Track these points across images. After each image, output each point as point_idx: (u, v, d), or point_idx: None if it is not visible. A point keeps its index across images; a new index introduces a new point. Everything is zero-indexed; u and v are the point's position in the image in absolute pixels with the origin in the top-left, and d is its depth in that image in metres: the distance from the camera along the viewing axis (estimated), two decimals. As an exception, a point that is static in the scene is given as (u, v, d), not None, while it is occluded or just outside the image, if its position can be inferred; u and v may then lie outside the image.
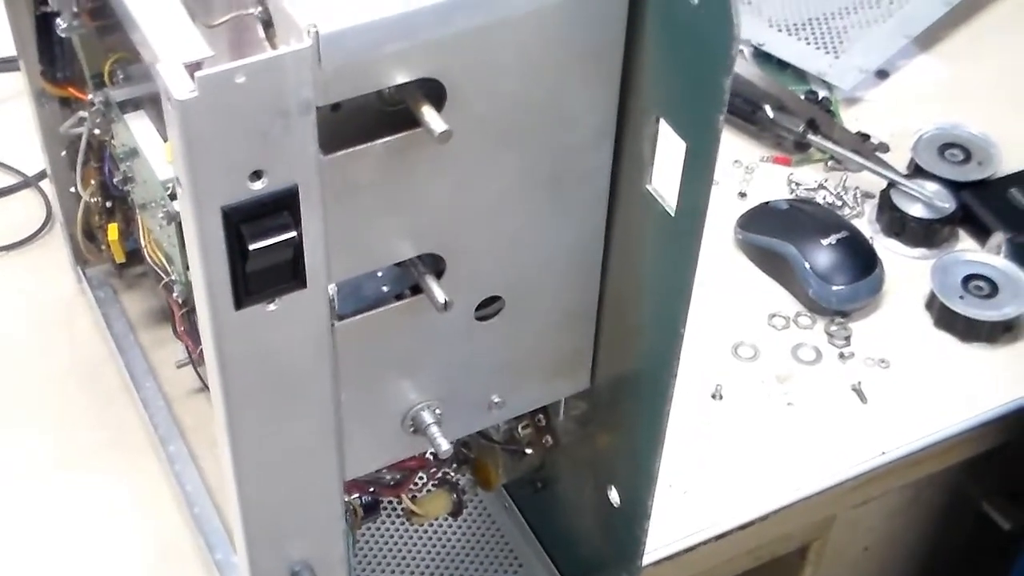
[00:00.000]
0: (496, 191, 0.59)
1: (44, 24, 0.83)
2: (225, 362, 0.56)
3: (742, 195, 1.09)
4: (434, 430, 0.65)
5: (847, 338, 0.98)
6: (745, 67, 1.15)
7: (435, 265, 0.60)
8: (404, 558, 0.85)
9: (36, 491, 0.88)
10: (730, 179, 1.10)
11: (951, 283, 0.98)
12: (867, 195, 1.08)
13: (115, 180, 0.84)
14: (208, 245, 0.52)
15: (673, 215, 0.58)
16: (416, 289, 0.61)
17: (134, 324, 0.97)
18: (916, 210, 1.04)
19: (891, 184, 1.06)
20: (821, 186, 1.09)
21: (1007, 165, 1.08)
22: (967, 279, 0.99)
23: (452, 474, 0.80)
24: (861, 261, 1.00)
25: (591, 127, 0.60)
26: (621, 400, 0.69)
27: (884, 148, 1.12)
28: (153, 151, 0.75)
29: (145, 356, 0.95)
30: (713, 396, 0.93)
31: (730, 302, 1.00)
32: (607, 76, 0.58)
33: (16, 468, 0.89)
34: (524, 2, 0.53)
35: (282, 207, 0.52)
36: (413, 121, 0.54)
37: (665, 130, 0.57)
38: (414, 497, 0.78)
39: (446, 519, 0.86)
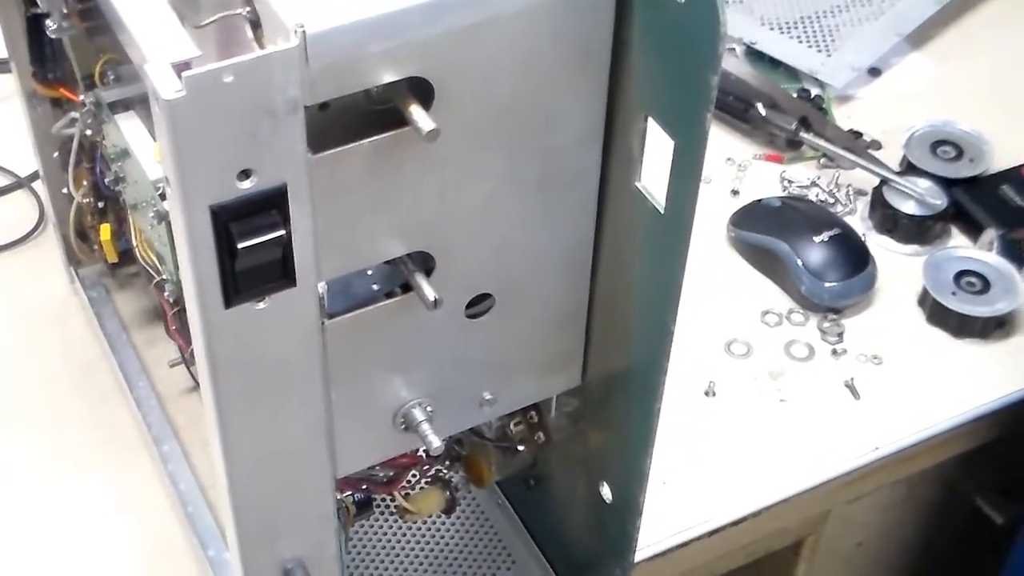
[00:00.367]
0: (485, 189, 0.59)
1: (35, 25, 0.83)
2: (215, 361, 0.56)
3: (735, 193, 1.09)
4: (426, 427, 0.65)
5: (840, 335, 0.98)
6: (737, 65, 1.16)
7: (425, 263, 0.61)
8: (397, 555, 0.85)
9: (29, 490, 0.88)
10: (723, 177, 1.10)
11: (943, 279, 0.99)
12: (859, 192, 1.08)
13: (107, 180, 0.84)
14: (197, 244, 0.52)
15: (662, 212, 0.58)
16: (406, 287, 0.61)
17: (127, 324, 0.97)
18: (908, 207, 1.04)
19: (883, 181, 1.06)
20: (814, 183, 1.09)
21: (999, 162, 1.09)
22: (959, 275, 0.99)
23: (445, 471, 0.80)
24: (853, 258, 1.00)
25: (580, 125, 0.60)
26: (612, 397, 0.69)
27: (876, 145, 1.12)
28: (144, 151, 0.75)
29: (138, 355, 0.95)
30: (706, 393, 0.94)
31: (723, 299, 1.00)
32: (595, 74, 0.58)
33: (9, 467, 0.89)
34: (512, 1, 0.54)
35: (271, 206, 0.52)
36: (401, 120, 0.54)
37: (653, 128, 0.57)
38: (407, 494, 0.78)
39: (439, 516, 0.87)
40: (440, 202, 0.58)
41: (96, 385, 0.95)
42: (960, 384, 0.95)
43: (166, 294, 0.77)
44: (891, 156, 1.10)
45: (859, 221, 1.06)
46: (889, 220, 1.04)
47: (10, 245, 1.04)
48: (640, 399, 0.65)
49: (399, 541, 0.86)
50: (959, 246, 1.03)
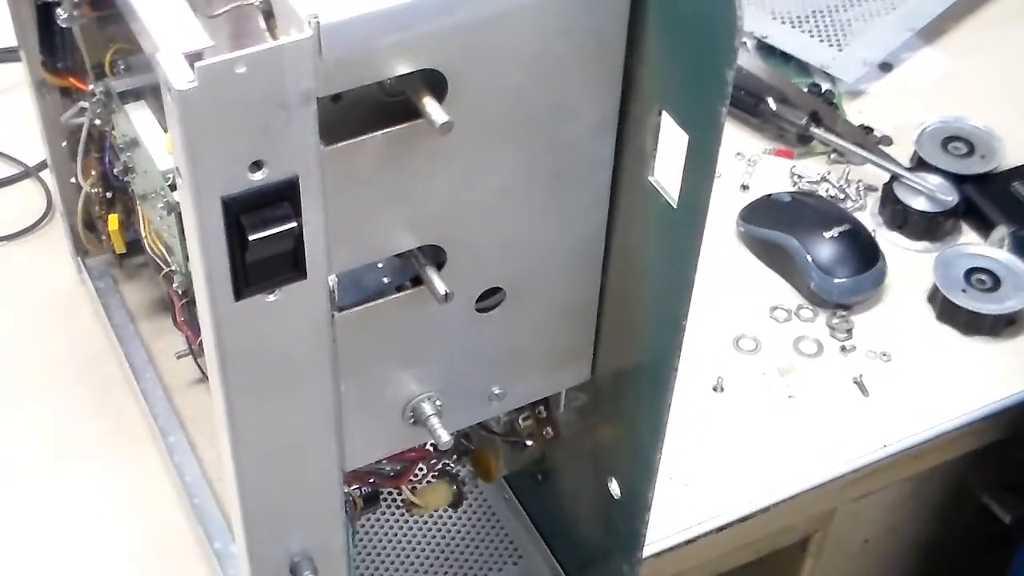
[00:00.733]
0: (497, 182, 0.59)
1: (45, 14, 0.83)
2: (225, 352, 0.56)
3: (744, 187, 1.08)
4: (434, 421, 0.65)
5: (849, 331, 0.97)
6: (748, 59, 1.15)
7: (436, 256, 0.60)
8: (404, 549, 0.85)
9: (35, 480, 0.88)
10: (732, 171, 1.09)
11: (953, 276, 0.98)
12: (870, 188, 1.08)
13: (115, 170, 0.84)
14: (208, 235, 0.52)
15: (675, 207, 0.58)
16: (417, 280, 0.61)
17: (134, 314, 0.97)
18: (919, 203, 1.04)
19: (894, 177, 1.05)
20: (824, 179, 1.09)
21: (1010, 158, 1.08)
22: (969, 272, 0.98)
23: (452, 465, 0.80)
24: (863, 254, 0.99)
25: (593, 119, 0.59)
26: (622, 392, 0.69)
27: (887, 141, 1.12)
28: (153, 141, 0.75)
29: (145, 346, 0.95)
30: (714, 388, 0.93)
31: (732, 294, 1.00)
32: (609, 68, 0.58)
33: (15, 457, 0.89)
34: (526, -7, 0.53)
35: (282, 197, 0.52)
36: (414, 112, 0.54)
37: (667, 122, 0.57)
38: (414, 488, 0.78)
39: (446, 510, 0.86)
40: (452, 195, 0.58)
41: (102, 376, 0.94)
42: (969, 382, 0.95)
43: (175, 285, 0.77)
44: (902, 152, 1.09)
45: (869, 217, 1.06)
46: (899, 216, 1.04)
47: (17, 235, 1.04)
48: (650, 394, 0.65)
49: (406, 535, 0.86)
50: (970, 243, 1.03)
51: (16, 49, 0.88)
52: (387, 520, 0.87)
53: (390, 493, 0.84)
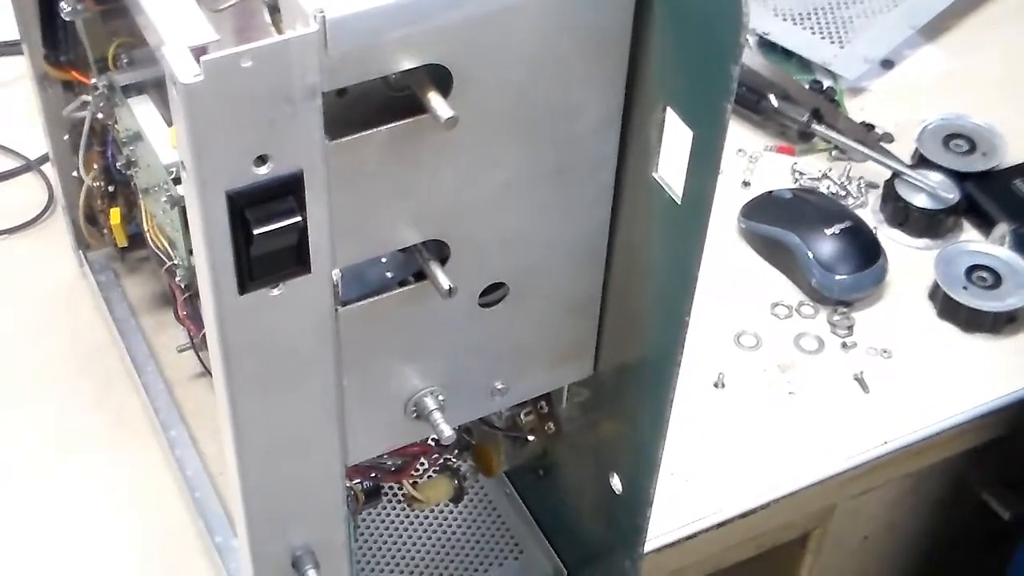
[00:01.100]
0: (501, 178, 0.59)
1: (48, 8, 0.83)
2: (228, 346, 0.56)
3: (746, 184, 1.08)
4: (437, 416, 0.65)
5: (850, 328, 0.98)
6: (750, 56, 1.15)
7: (439, 251, 0.60)
8: (405, 544, 0.85)
9: (36, 474, 0.88)
10: (734, 168, 1.09)
11: (954, 273, 0.98)
12: (871, 185, 1.08)
13: (118, 164, 0.84)
14: (212, 229, 0.52)
15: (679, 203, 0.58)
16: (420, 275, 0.61)
17: (135, 308, 0.97)
18: (920, 200, 1.04)
19: (895, 174, 1.05)
20: (825, 176, 1.09)
21: (1012, 156, 1.08)
22: (970, 270, 0.99)
23: (454, 460, 0.80)
24: (864, 251, 1.00)
25: (597, 114, 0.59)
26: (624, 387, 0.69)
27: (888, 138, 1.12)
28: (157, 135, 0.75)
29: (146, 341, 0.95)
30: (715, 385, 0.93)
31: (733, 291, 1.00)
32: (614, 64, 0.58)
33: (16, 452, 0.89)
34: (531, -12, 0.53)
35: (287, 192, 0.52)
36: (419, 107, 0.54)
37: (672, 118, 0.57)
38: (415, 483, 0.78)
39: (447, 505, 0.86)
40: (456, 190, 0.58)
41: (104, 370, 0.94)
42: (969, 379, 0.95)
43: (177, 279, 0.77)
44: (903, 149, 1.10)
45: (870, 214, 1.06)
46: (901, 213, 1.04)
47: (19, 228, 1.04)
48: (653, 390, 0.65)
49: (407, 529, 0.86)
50: (971, 240, 1.03)
51: (19, 43, 0.88)
52: (388, 515, 0.87)
53: (391, 488, 0.84)
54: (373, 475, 0.74)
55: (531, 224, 0.62)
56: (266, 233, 0.52)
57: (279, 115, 0.50)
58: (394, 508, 0.87)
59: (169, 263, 0.78)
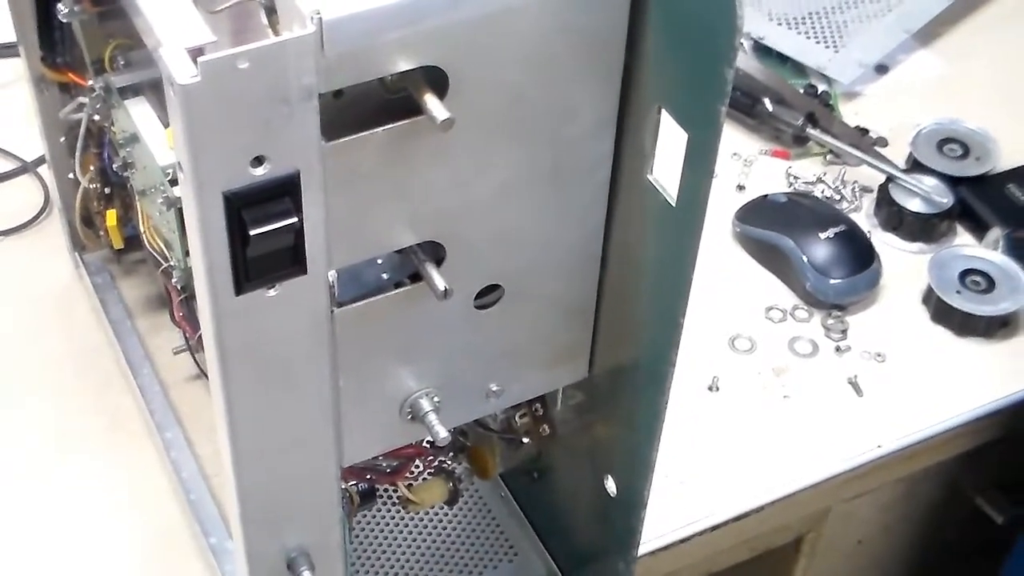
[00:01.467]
0: (497, 180, 0.59)
1: (44, 9, 0.83)
2: (224, 347, 0.56)
3: (740, 188, 1.09)
4: (432, 418, 0.65)
5: (844, 331, 0.98)
6: (745, 60, 1.15)
7: (435, 253, 0.60)
8: (400, 545, 0.86)
9: (32, 476, 0.88)
10: (729, 172, 1.10)
11: (948, 278, 0.99)
12: (865, 189, 1.08)
13: (114, 166, 0.84)
14: (209, 230, 0.52)
15: (674, 205, 0.58)
16: (416, 277, 0.61)
17: (131, 310, 0.97)
18: (914, 205, 1.04)
19: (889, 178, 1.06)
20: (819, 180, 1.09)
21: (1005, 161, 1.09)
22: (964, 274, 0.99)
23: (449, 462, 0.80)
24: (859, 255, 1.00)
25: (593, 117, 0.60)
26: (619, 390, 0.69)
27: (883, 143, 1.12)
28: (153, 137, 0.75)
29: (142, 342, 0.95)
30: (710, 388, 0.94)
31: (727, 294, 1.00)
32: (609, 66, 0.58)
33: (12, 453, 0.89)
34: (527, -9, 0.54)
35: (283, 193, 0.52)
36: (415, 109, 0.54)
37: (667, 120, 0.57)
38: (410, 485, 0.78)
39: (442, 507, 0.87)
40: (452, 192, 0.58)
41: (99, 371, 0.94)
42: (963, 383, 0.95)
43: (173, 281, 0.77)
44: (897, 153, 1.10)
45: (865, 218, 1.06)
46: (895, 217, 1.04)
47: (14, 230, 1.04)
48: (647, 392, 0.65)
49: (401, 532, 0.86)
50: (964, 244, 1.03)
51: (15, 44, 0.88)
52: (383, 516, 0.87)
53: (386, 490, 0.84)
54: (368, 477, 0.74)
55: (527, 226, 0.62)
56: (262, 234, 0.52)
57: (276, 116, 0.50)
58: (389, 510, 0.87)
59: (165, 265, 0.78)
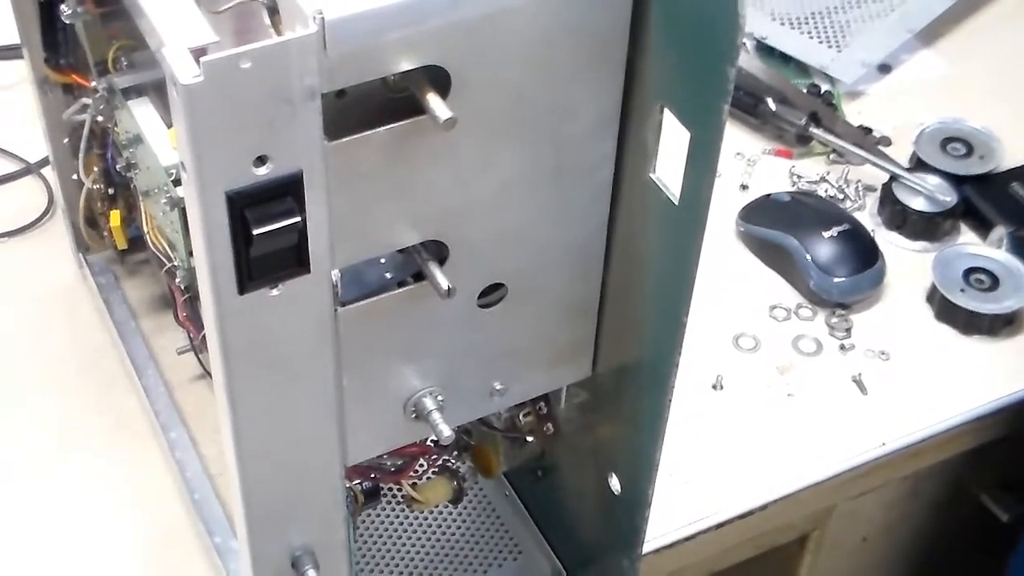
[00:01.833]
0: (500, 179, 0.59)
1: (48, 11, 0.84)
2: (228, 347, 0.56)
3: (744, 187, 1.09)
4: (436, 416, 0.66)
5: (848, 330, 0.98)
6: (748, 60, 1.15)
7: (438, 252, 0.61)
8: (404, 544, 0.86)
9: (37, 476, 0.88)
10: (732, 171, 1.10)
11: (952, 276, 0.99)
12: (869, 188, 1.08)
13: (118, 167, 0.84)
14: (212, 230, 0.52)
15: (677, 204, 0.58)
16: (419, 276, 0.61)
17: (135, 311, 0.97)
18: (918, 203, 1.04)
19: (893, 177, 1.06)
20: (823, 179, 1.09)
21: (1009, 159, 1.08)
22: (968, 272, 0.99)
23: (453, 461, 0.80)
24: (862, 254, 1.00)
25: (595, 115, 0.60)
26: (623, 388, 0.69)
27: (886, 142, 1.12)
28: (157, 137, 0.75)
29: (146, 343, 0.95)
30: (714, 387, 0.94)
31: (731, 293, 1.00)
32: (612, 65, 0.58)
33: (17, 453, 0.90)
34: (530, -10, 0.54)
35: (286, 192, 0.52)
36: (418, 108, 0.54)
37: (669, 119, 0.57)
38: (415, 484, 0.78)
39: (446, 506, 0.87)
40: (455, 191, 0.58)
41: (104, 372, 0.95)
42: (967, 381, 0.95)
43: (177, 281, 0.77)
44: (901, 152, 1.10)
45: (868, 217, 1.06)
46: (898, 216, 1.04)
47: (19, 231, 1.04)
48: (651, 391, 0.65)
49: (406, 530, 0.86)
50: (968, 243, 1.03)
51: (19, 46, 0.88)
52: (388, 515, 0.87)
53: (391, 488, 0.84)
54: (372, 476, 0.74)
55: (529, 225, 0.62)
56: (266, 233, 0.52)
57: (278, 116, 0.50)
58: (393, 509, 0.87)
59: (169, 265, 0.78)
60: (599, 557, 0.78)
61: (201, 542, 0.84)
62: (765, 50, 1.20)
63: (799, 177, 1.09)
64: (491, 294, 0.64)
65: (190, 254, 0.73)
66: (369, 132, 0.54)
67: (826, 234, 1.00)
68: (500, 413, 0.76)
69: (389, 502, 0.87)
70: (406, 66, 0.53)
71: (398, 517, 0.87)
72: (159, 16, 0.54)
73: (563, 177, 0.61)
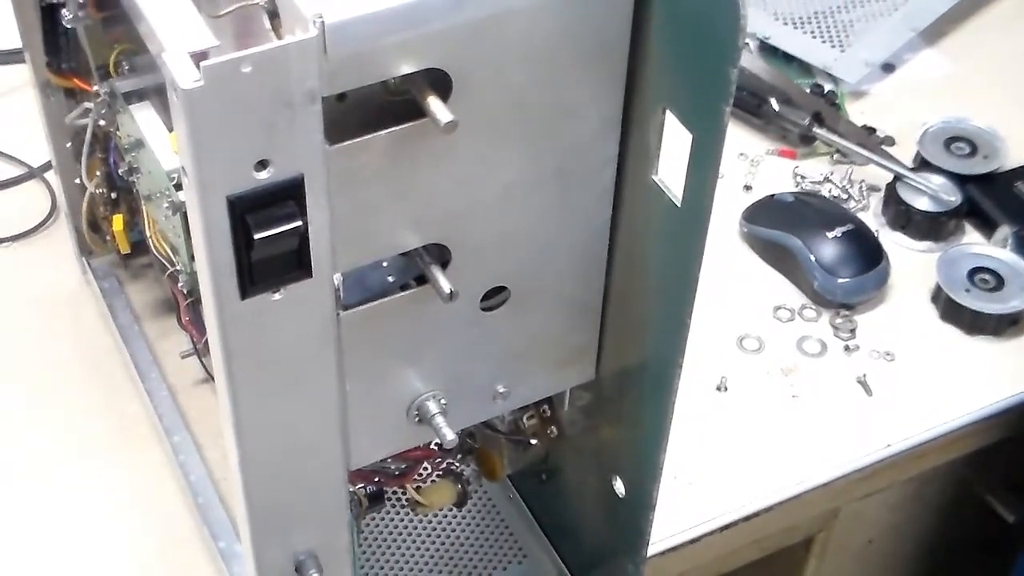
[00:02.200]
0: (502, 181, 0.59)
1: (49, 15, 0.83)
2: (230, 351, 0.56)
3: (747, 188, 1.09)
4: (439, 420, 0.65)
5: (852, 331, 0.98)
6: (751, 60, 1.15)
7: (440, 255, 0.60)
8: (408, 548, 0.85)
9: (41, 480, 0.88)
10: (735, 172, 1.10)
11: (957, 276, 0.98)
12: (873, 188, 1.08)
13: (120, 171, 0.84)
14: (213, 234, 0.52)
15: (679, 206, 0.58)
16: (421, 279, 0.61)
17: (139, 314, 0.97)
18: (922, 203, 1.04)
19: (897, 177, 1.05)
20: (827, 179, 1.09)
21: (1013, 159, 1.08)
22: (973, 272, 0.99)
23: (457, 464, 0.80)
24: (867, 254, 1.00)
25: (597, 118, 0.60)
26: (627, 391, 0.69)
27: (890, 141, 1.12)
28: (158, 142, 0.75)
29: (150, 346, 0.95)
30: (718, 388, 0.94)
31: (735, 294, 1.00)
32: (613, 67, 0.58)
33: (20, 456, 0.90)
34: (531, -8, 0.54)
35: (287, 196, 0.52)
36: (419, 111, 0.54)
37: (671, 121, 0.57)
38: (419, 487, 0.78)
39: (450, 509, 0.86)
40: (457, 194, 0.58)
41: (107, 376, 0.95)
42: (973, 382, 0.95)
43: (180, 285, 0.77)
44: (905, 152, 1.10)
45: (872, 217, 1.06)
46: (902, 216, 1.04)
47: (22, 235, 1.04)
48: (655, 393, 0.65)
49: (410, 534, 0.86)
50: (973, 243, 1.03)
51: (21, 51, 0.88)
52: (392, 519, 0.87)
53: (395, 492, 0.84)
54: (376, 479, 0.74)
55: (532, 227, 0.62)
56: (267, 238, 0.52)
57: (279, 120, 0.50)
58: (397, 512, 0.87)
59: (171, 269, 0.79)
60: (604, 560, 0.78)
61: (205, 546, 0.84)
62: (768, 50, 1.20)
63: (803, 177, 1.09)
64: (494, 297, 0.64)
65: (192, 258, 0.73)
66: (370, 135, 0.54)
67: (830, 234, 1.00)
68: (504, 416, 0.76)
69: (393, 506, 0.87)
70: (407, 69, 0.53)
71: (402, 521, 0.87)
72: (159, 20, 0.53)
73: (565, 180, 0.61)
